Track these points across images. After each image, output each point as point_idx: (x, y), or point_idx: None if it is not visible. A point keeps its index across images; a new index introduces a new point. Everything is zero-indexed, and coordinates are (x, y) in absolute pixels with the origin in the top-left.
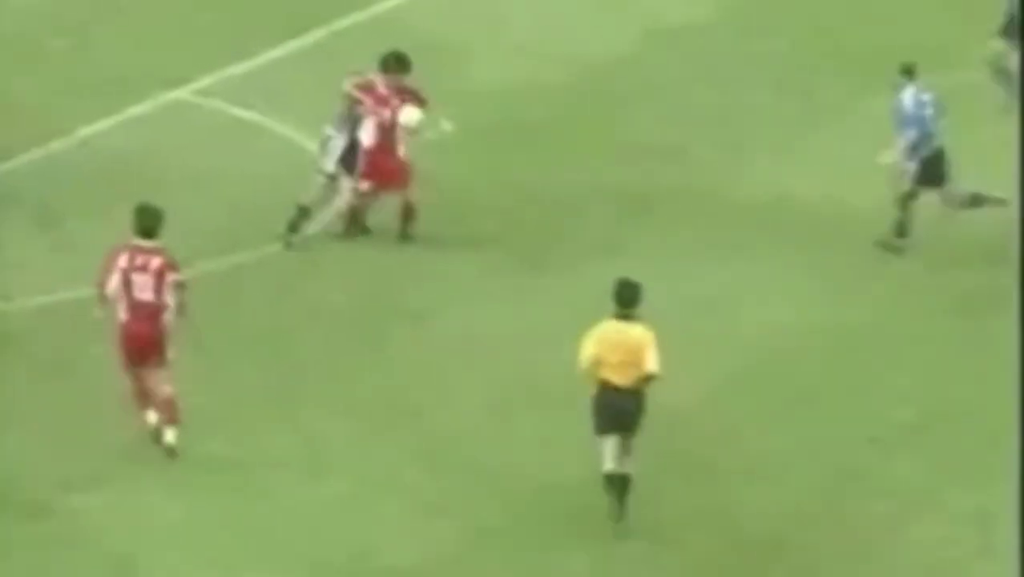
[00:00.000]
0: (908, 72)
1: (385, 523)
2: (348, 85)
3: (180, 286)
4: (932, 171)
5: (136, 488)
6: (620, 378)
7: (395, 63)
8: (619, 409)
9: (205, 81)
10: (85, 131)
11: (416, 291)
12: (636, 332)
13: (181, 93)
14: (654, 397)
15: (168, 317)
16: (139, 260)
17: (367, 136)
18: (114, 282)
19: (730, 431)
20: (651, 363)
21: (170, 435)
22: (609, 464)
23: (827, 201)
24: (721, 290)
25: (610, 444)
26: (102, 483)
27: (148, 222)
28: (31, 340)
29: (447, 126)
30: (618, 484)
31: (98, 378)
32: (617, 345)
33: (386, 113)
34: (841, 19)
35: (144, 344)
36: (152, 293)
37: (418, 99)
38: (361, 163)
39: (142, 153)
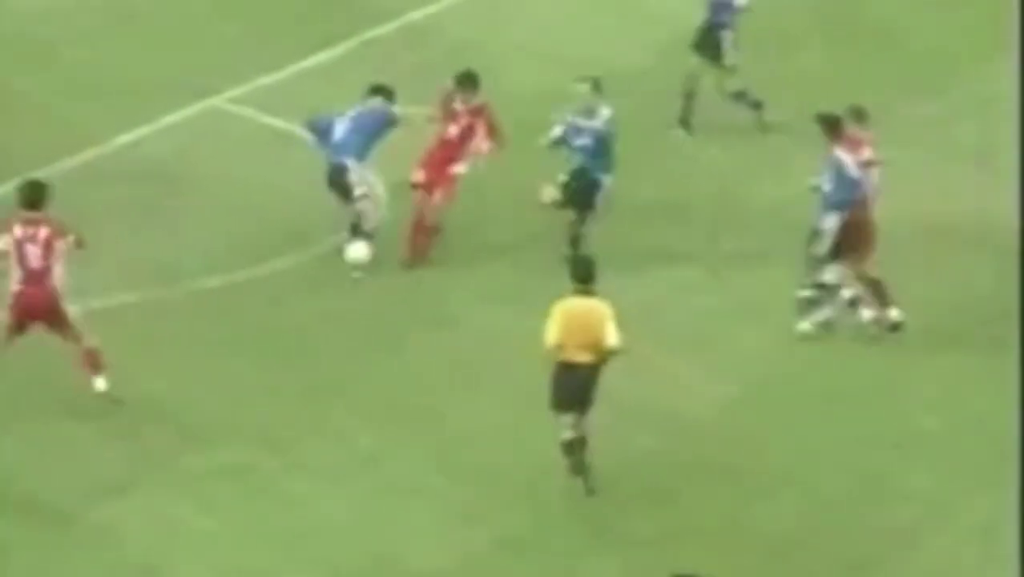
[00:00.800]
0: (595, 87)
1: (411, 529)
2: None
3: (79, 244)
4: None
5: (159, 496)
6: (581, 355)
7: (468, 81)
8: (579, 386)
9: (237, 90)
10: (119, 139)
11: (440, 296)
12: (597, 307)
13: (214, 101)
14: (676, 406)
15: (57, 279)
16: (30, 231)
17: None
18: (5, 245)
19: (751, 438)
20: (611, 337)
21: (100, 383)
22: (568, 434)
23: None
24: (743, 297)
25: (568, 418)
26: (125, 492)
27: (33, 195)
28: (53, 349)
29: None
30: (578, 446)
31: (124, 387)
32: (580, 321)
33: (453, 129)
34: (863, 27)
35: (39, 307)
36: (41, 260)
37: (493, 130)
38: None
39: (173, 161)
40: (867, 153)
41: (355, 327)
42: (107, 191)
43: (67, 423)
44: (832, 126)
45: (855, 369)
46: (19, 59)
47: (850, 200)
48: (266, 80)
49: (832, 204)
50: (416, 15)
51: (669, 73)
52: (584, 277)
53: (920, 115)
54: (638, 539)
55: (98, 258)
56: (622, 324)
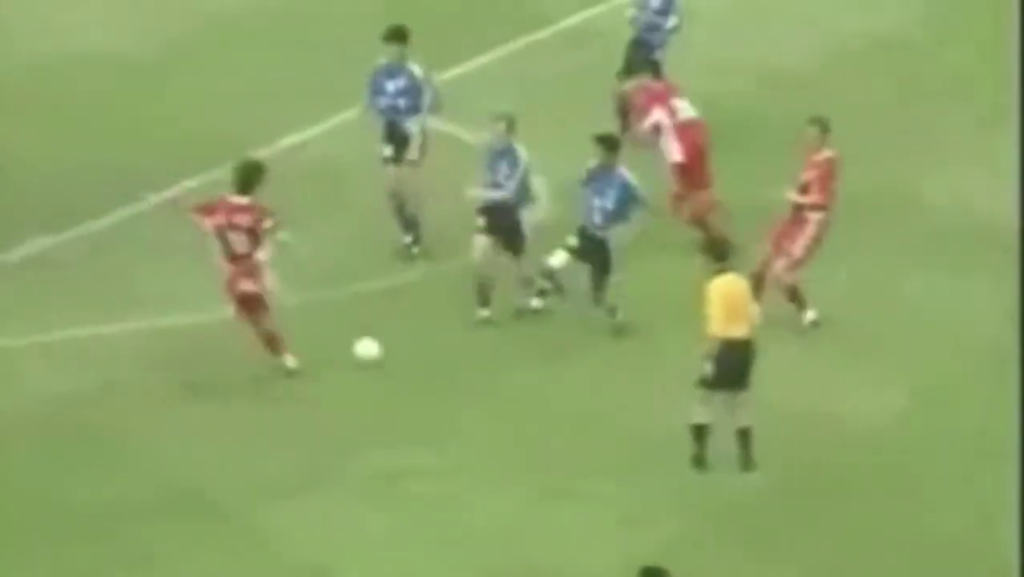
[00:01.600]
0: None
1: (569, 533)
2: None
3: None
4: None
5: (324, 498)
6: (738, 330)
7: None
8: (743, 363)
9: None
10: (284, 141)
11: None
12: (742, 281)
13: None
14: (843, 414)
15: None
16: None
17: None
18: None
19: (917, 445)
20: (756, 312)
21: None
22: (706, 417)
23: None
24: (914, 299)
25: (716, 398)
26: (291, 494)
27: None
28: (227, 353)
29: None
30: (742, 437)
31: (293, 391)
32: (736, 297)
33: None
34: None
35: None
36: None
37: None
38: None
39: (337, 162)
40: None
41: (512, 332)
42: (272, 192)
43: (235, 425)
44: (611, 146)
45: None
46: (188, 59)
47: (631, 215)
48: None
49: (620, 219)
50: (574, 19)
51: (831, 78)
52: (722, 255)
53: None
54: (798, 543)
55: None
56: (789, 333)
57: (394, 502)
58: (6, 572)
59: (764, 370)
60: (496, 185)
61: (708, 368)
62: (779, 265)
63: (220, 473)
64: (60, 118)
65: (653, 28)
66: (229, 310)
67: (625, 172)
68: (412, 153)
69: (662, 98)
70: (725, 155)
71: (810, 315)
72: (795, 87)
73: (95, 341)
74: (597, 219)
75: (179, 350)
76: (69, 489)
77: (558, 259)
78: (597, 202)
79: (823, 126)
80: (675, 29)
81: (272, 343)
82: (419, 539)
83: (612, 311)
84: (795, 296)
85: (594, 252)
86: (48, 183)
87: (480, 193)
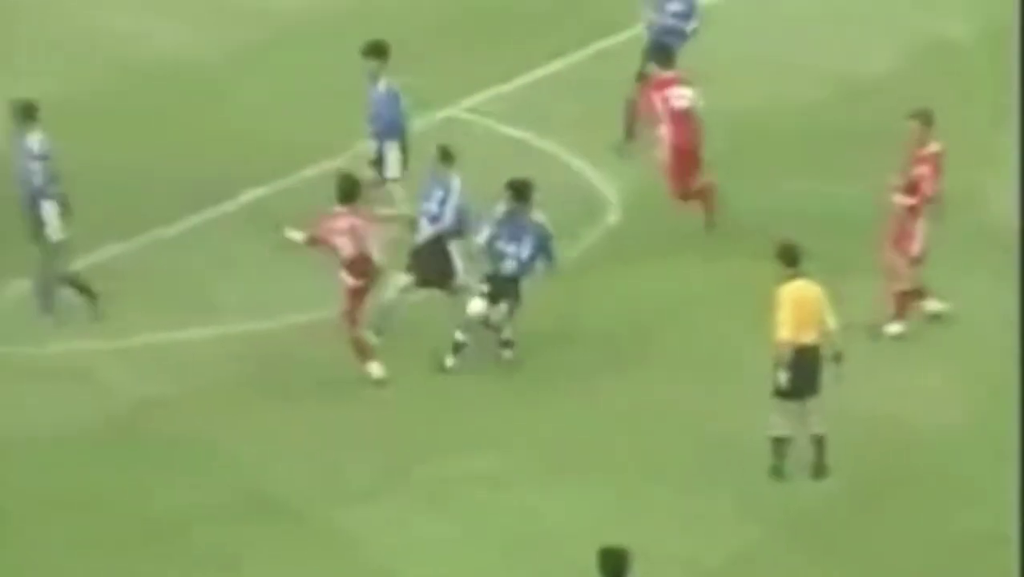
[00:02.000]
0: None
1: (641, 538)
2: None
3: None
4: None
5: (398, 503)
6: (807, 336)
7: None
8: (812, 369)
9: (475, 99)
10: (360, 148)
11: (678, 296)
12: (814, 287)
13: (452, 111)
14: (918, 416)
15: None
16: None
17: None
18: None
19: (998, 451)
20: (831, 318)
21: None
22: (786, 429)
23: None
24: (971, 303)
25: (792, 408)
26: (369, 497)
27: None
28: (301, 358)
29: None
30: (817, 445)
31: (366, 395)
32: (805, 303)
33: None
34: None
35: None
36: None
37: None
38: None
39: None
40: None
41: (579, 337)
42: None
43: (308, 430)
44: (520, 194)
45: None
46: (254, 64)
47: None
48: (505, 88)
49: (533, 268)
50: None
51: (916, 80)
52: (793, 260)
53: None
54: (866, 549)
55: (327, 270)
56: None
57: (464, 506)
58: (85, 575)
59: (832, 375)
60: (431, 216)
61: (781, 377)
62: (900, 264)
63: (294, 477)
64: (128, 126)
65: (672, 32)
66: (326, 312)
67: (540, 218)
68: (391, 171)
69: (662, 86)
70: (789, 159)
71: (896, 327)
72: (863, 91)
73: (171, 346)
74: (511, 267)
75: (254, 356)
76: (145, 492)
77: (476, 307)
78: (512, 249)
79: (925, 119)
80: (695, 33)
81: (363, 350)
82: (489, 543)
83: (509, 344)
84: (901, 302)
85: (509, 289)
86: (117, 190)
87: (420, 231)
